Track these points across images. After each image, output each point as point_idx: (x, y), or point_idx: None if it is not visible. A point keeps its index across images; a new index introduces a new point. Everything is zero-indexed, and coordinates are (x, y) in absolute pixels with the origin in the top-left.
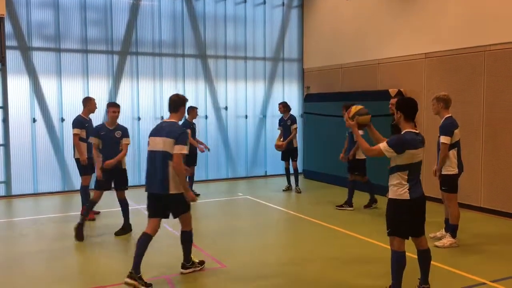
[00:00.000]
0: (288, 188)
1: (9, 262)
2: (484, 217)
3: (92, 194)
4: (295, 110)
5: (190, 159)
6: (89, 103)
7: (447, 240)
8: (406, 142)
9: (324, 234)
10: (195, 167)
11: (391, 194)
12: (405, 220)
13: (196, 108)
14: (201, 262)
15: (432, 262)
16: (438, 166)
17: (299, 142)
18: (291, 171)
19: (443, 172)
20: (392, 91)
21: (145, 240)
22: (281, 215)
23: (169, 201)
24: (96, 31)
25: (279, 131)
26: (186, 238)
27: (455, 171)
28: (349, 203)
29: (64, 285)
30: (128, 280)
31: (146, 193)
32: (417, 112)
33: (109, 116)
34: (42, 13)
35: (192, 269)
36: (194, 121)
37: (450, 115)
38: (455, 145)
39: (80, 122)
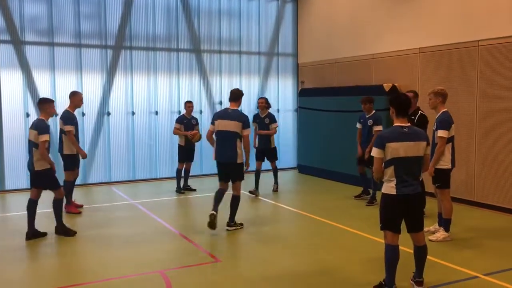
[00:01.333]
0: (255, 192)
1: (3, 258)
2: (477, 211)
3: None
4: (290, 104)
5: (187, 155)
6: (75, 98)
7: (441, 234)
8: (383, 137)
9: (320, 229)
10: (191, 163)
11: (382, 189)
12: (394, 215)
13: (188, 102)
14: (241, 224)
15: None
16: (433, 160)
17: (294, 137)
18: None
19: (437, 166)
20: (387, 86)
21: (221, 193)
22: (276, 210)
23: (233, 168)
24: (90, 25)
25: (253, 127)
26: (235, 201)
27: (448, 165)
28: (368, 194)
29: (61, 279)
30: (228, 228)
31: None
32: (408, 108)
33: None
34: (35, 7)
35: (235, 228)
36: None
37: (446, 109)
38: (450, 139)
39: (71, 119)
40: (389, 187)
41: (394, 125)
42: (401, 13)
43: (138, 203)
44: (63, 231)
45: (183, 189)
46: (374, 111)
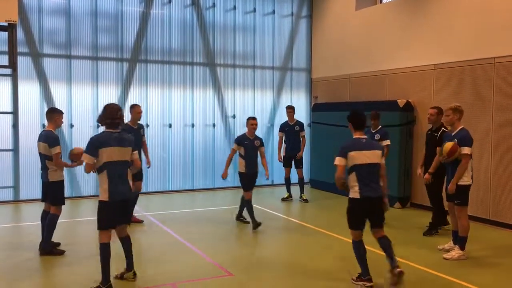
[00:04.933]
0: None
1: (16, 268)
2: (492, 230)
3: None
4: (303, 119)
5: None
6: (132, 111)
7: (456, 252)
8: (345, 147)
9: (330, 243)
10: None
11: (349, 194)
12: (360, 215)
13: (252, 119)
14: None
15: (440, 275)
16: (456, 177)
17: (307, 151)
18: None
19: (459, 183)
20: (401, 102)
21: None
22: (287, 224)
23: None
24: (107, 38)
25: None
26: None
27: (469, 181)
28: None
29: None
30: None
31: None
32: (364, 122)
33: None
34: (53, 20)
35: None
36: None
37: (463, 126)
38: (471, 156)
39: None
40: (354, 192)
41: (354, 137)
42: (416, 30)
43: (150, 215)
44: (50, 251)
45: (237, 219)
46: (380, 127)
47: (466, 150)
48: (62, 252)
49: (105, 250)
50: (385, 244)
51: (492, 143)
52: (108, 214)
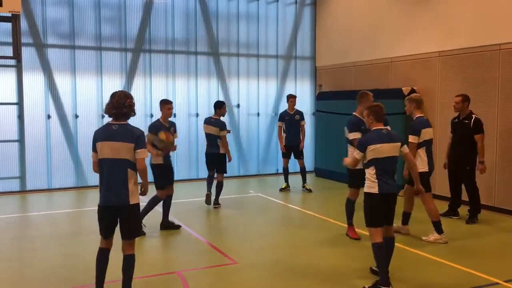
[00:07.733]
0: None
1: (23, 257)
2: (497, 217)
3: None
4: (307, 108)
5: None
6: (365, 99)
7: (433, 236)
8: (205, 122)
9: (336, 232)
10: None
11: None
12: (207, 163)
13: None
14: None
15: (441, 260)
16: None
17: (311, 140)
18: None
19: None
20: (406, 90)
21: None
22: (292, 213)
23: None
24: (110, 28)
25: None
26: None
27: (425, 169)
28: None
29: (78, 278)
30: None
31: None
32: (224, 107)
33: (165, 113)
34: (57, 11)
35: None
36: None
37: (421, 115)
38: (423, 144)
39: (356, 125)
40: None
41: (209, 116)
42: (421, 17)
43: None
44: (167, 226)
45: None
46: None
47: (409, 138)
48: (178, 227)
49: (97, 256)
50: (219, 187)
51: (497, 130)
52: (100, 221)
